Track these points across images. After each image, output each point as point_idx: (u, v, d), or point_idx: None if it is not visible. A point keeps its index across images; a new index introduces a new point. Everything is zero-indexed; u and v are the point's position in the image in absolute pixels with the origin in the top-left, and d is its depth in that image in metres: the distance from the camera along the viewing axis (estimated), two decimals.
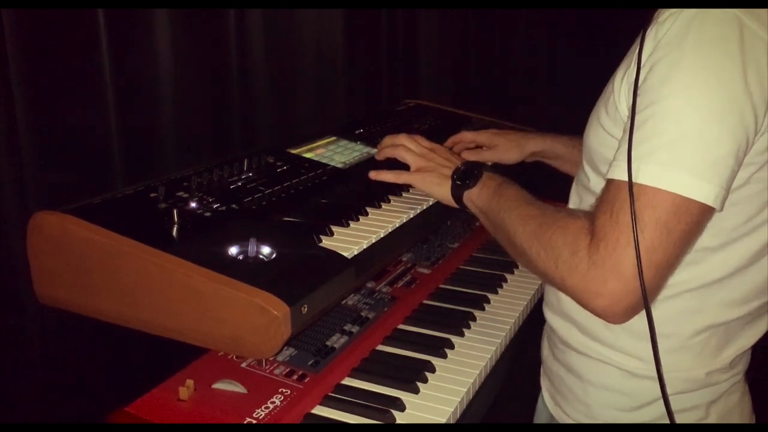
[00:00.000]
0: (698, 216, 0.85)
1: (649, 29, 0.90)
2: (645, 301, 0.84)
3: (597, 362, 1.06)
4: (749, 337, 1.04)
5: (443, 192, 1.20)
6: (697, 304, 0.98)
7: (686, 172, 0.82)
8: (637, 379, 1.03)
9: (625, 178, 0.85)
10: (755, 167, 0.90)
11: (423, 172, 1.24)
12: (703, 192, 0.83)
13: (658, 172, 0.83)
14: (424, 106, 1.94)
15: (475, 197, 1.15)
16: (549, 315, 1.15)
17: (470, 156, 1.42)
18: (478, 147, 1.49)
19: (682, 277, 0.95)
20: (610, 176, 0.89)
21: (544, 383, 1.22)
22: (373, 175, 1.26)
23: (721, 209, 0.86)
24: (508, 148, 1.47)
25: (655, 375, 0.99)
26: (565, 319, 1.09)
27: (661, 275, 0.87)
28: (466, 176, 1.18)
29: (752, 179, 0.91)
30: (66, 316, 1.03)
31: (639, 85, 0.88)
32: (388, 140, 1.33)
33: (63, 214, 0.99)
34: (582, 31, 3.24)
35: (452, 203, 1.20)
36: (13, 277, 1.20)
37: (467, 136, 1.52)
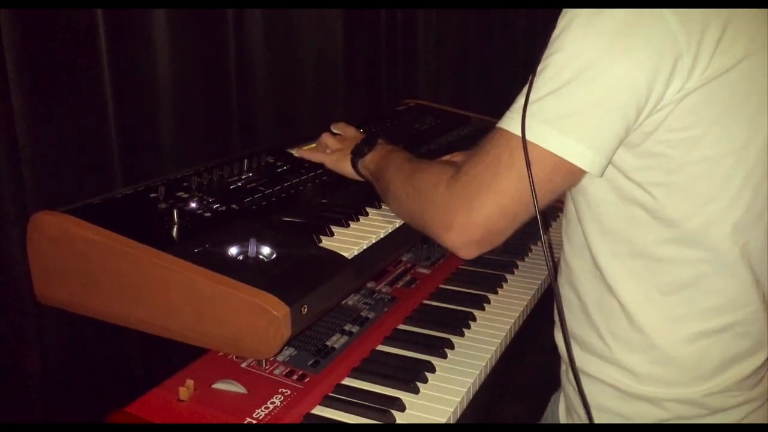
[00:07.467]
0: (574, 176, 0.88)
1: None
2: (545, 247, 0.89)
3: (594, 381, 1.03)
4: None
5: (346, 167, 1.28)
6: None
7: (572, 139, 0.84)
8: (632, 401, 1.00)
9: (508, 128, 0.87)
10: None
11: (334, 153, 1.34)
12: (586, 158, 0.84)
13: (546, 132, 0.84)
14: (424, 106, 1.94)
15: (367, 162, 1.22)
16: (555, 332, 1.12)
17: None
18: None
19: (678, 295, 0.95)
20: (498, 125, 0.91)
21: (560, 402, 1.17)
22: (297, 152, 1.38)
23: (601, 176, 0.88)
24: None
25: (649, 395, 0.98)
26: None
27: (516, 223, 0.91)
28: (362, 147, 1.25)
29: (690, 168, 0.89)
30: (66, 316, 1.04)
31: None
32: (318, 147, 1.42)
33: (63, 215, 0.99)
34: None
35: (355, 176, 1.27)
36: (13, 277, 1.20)
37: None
